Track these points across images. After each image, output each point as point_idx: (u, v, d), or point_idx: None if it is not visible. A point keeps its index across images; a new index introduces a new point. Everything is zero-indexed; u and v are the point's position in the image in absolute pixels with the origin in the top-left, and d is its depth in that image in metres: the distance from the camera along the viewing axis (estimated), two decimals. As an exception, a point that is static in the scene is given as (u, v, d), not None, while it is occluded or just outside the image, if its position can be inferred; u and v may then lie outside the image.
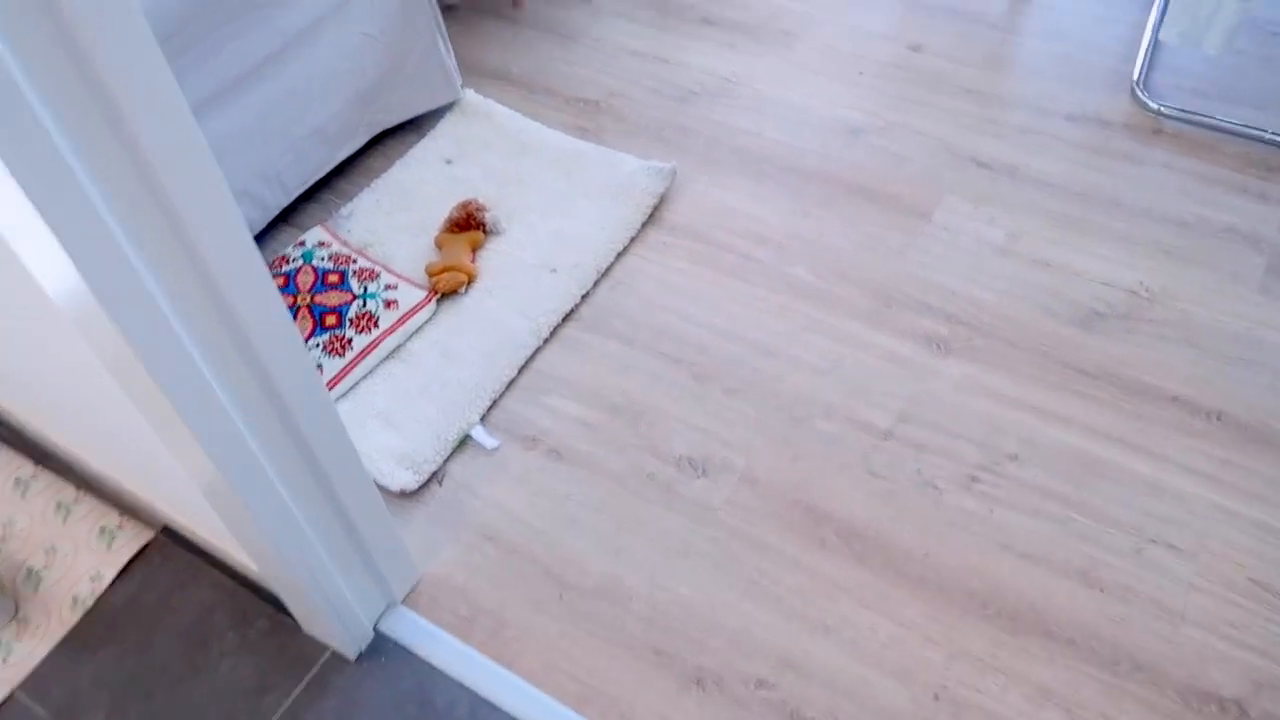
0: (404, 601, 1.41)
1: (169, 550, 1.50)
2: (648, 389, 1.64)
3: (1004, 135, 1.99)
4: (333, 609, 1.29)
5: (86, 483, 1.55)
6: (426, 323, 1.73)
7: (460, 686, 1.33)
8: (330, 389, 1.62)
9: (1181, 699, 1.26)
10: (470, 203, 1.84)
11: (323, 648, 1.38)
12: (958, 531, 1.43)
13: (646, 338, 1.71)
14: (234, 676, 1.36)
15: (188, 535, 1.45)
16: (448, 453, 1.57)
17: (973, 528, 1.43)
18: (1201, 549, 1.38)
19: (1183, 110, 1.98)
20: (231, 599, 1.44)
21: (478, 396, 1.62)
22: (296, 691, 1.35)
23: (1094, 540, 1.40)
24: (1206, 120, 1.96)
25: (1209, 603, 1.33)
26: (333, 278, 1.75)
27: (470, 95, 2.12)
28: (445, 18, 2.35)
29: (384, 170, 2.01)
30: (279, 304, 0.97)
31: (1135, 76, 2.05)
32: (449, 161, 2.00)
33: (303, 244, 1.82)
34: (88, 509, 1.54)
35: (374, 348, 1.66)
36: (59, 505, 1.55)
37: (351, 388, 1.65)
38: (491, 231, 1.85)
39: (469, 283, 1.77)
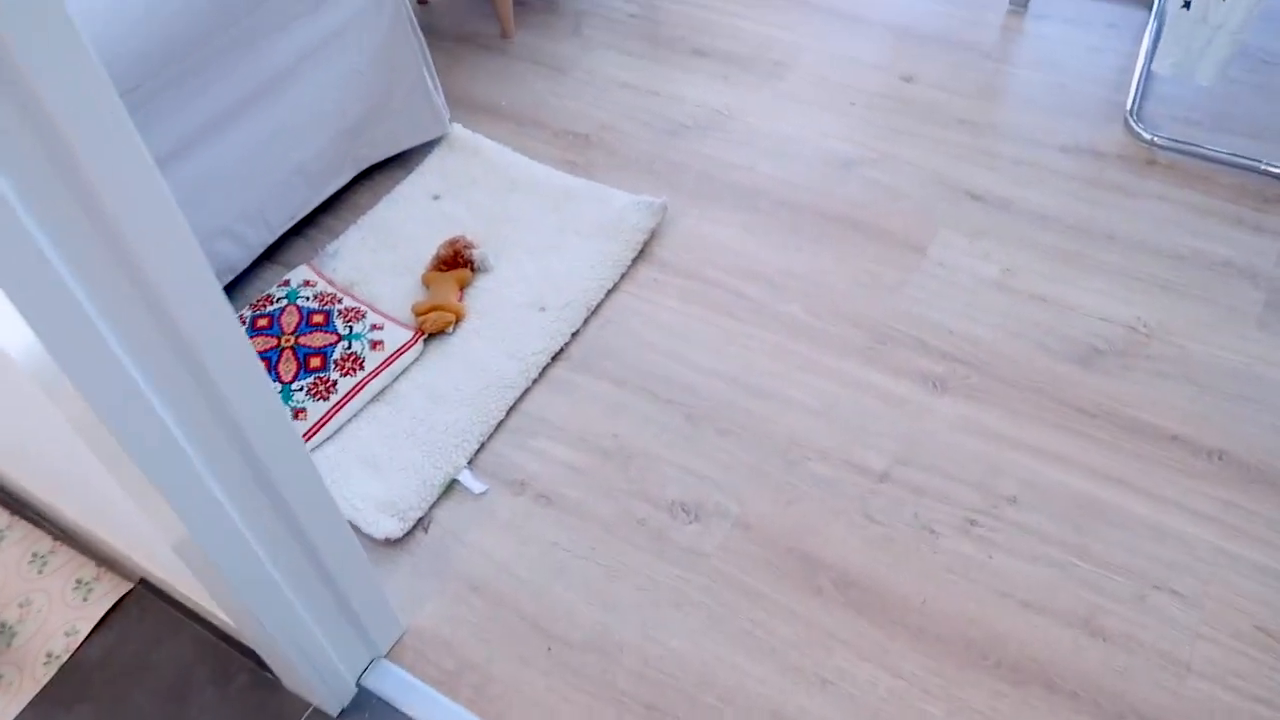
0: (388, 655, 1.37)
1: (147, 602, 1.46)
2: (638, 431, 1.60)
3: (998, 167, 1.97)
4: (313, 665, 1.25)
5: (64, 533, 1.51)
6: (413, 364, 1.70)
7: (446, 745, 1.29)
8: (314, 433, 1.59)
9: (1189, 754, 1.22)
10: (458, 240, 1.82)
11: (304, 704, 1.34)
12: (956, 578, 1.39)
13: (637, 378, 1.68)
14: (212, 736, 1.32)
15: (165, 589, 1.41)
16: (434, 498, 1.54)
17: (971, 574, 1.40)
18: (1206, 595, 1.35)
19: (1176, 141, 1.96)
20: (211, 653, 1.40)
21: (465, 440, 1.59)
22: (277, 751, 1.30)
23: (1096, 587, 1.37)
24: (1200, 151, 1.94)
25: (1215, 652, 1.30)
26: (317, 318, 1.72)
27: (458, 130, 2.10)
28: (433, 49, 2.34)
29: (371, 206, 1.99)
30: (251, 356, 0.94)
31: (1128, 106, 2.04)
32: (436, 197, 1.98)
33: (287, 283, 1.79)
34: (64, 560, 1.50)
35: (359, 390, 1.63)
36: (35, 556, 1.51)
37: (336, 431, 1.61)
38: (480, 269, 1.83)
39: (456, 322, 1.74)
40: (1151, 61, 1.91)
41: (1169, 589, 1.36)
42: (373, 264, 1.86)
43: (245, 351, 0.93)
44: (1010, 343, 1.67)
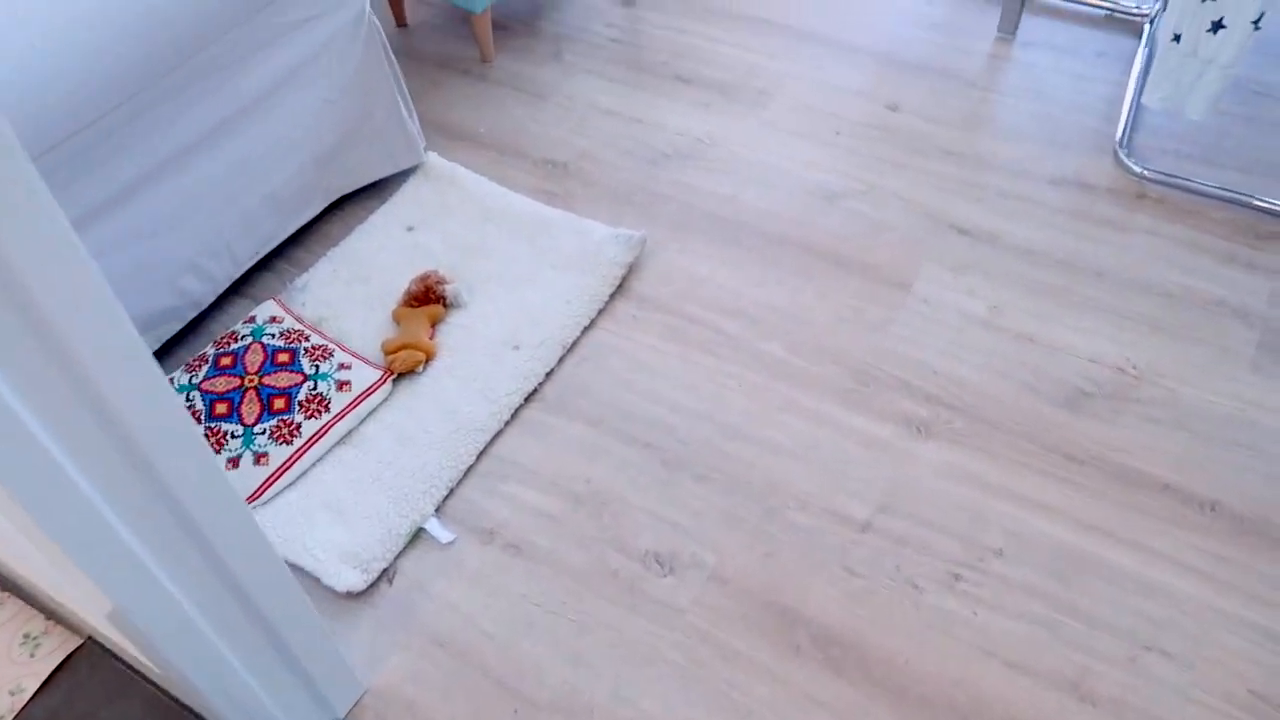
0: (346, 718, 1.32)
1: (97, 659, 1.39)
2: (613, 476, 1.55)
3: (984, 199, 1.93)
4: (266, 732, 1.19)
5: (12, 585, 1.45)
6: (381, 404, 1.64)
7: (405, 815, 1.24)
8: (276, 479, 1.53)
9: (1181, 827, 1.17)
10: (429, 275, 1.76)
11: (259, 769, 1.28)
12: (939, 636, 1.34)
13: (613, 420, 1.62)
14: (161, 804, 1.26)
15: (112, 648, 1.35)
16: (399, 548, 1.48)
17: (955, 631, 1.34)
18: (1198, 657, 1.30)
19: (1167, 174, 1.92)
20: (164, 714, 1.34)
21: (433, 486, 1.53)
22: (228, 821, 1.24)
23: (1084, 647, 1.32)
24: (1192, 185, 1.90)
25: (1207, 717, 1.25)
26: (283, 357, 1.66)
27: (433, 158, 2.05)
28: (412, 73, 2.29)
29: (342, 237, 1.93)
30: (179, 412, 0.88)
31: (1118, 138, 2.00)
32: (410, 229, 1.93)
33: (253, 319, 1.74)
34: (12, 612, 1.44)
35: (324, 433, 1.58)
36: (-18, 608, 1.44)
37: (300, 477, 1.56)
38: (452, 305, 1.77)
39: (427, 361, 1.69)
40: (1141, 93, 1.87)
41: (1159, 649, 1.31)
42: (343, 298, 1.81)
43: (172, 405, 0.88)
44: (996, 384, 1.62)
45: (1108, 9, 2.32)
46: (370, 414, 1.63)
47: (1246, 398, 1.57)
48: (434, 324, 1.74)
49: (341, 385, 1.63)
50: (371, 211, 1.98)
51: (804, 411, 1.61)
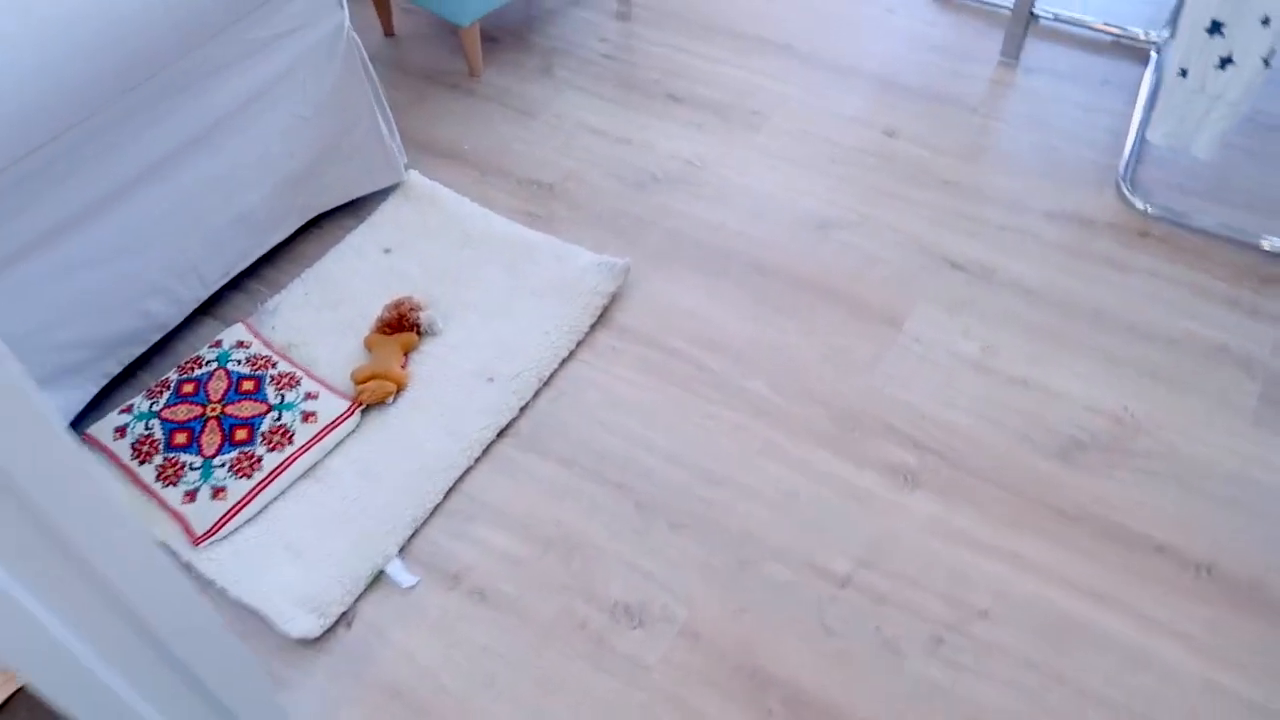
0: (294, 776, 1.26)
1: (35, 702, 1.34)
2: (585, 520, 1.49)
3: (981, 233, 1.86)
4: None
5: (-48, 622, 1.39)
6: (348, 437, 1.58)
7: None
8: (234, 515, 1.47)
9: None
10: (403, 302, 1.70)
11: (200, 828, 1.22)
12: (920, 704, 1.28)
13: (587, 459, 1.56)
14: None
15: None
16: (359, 591, 1.42)
17: (936, 700, 1.28)
18: (1190, 734, 1.24)
19: (1170, 211, 1.85)
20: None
21: (397, 526, 1.47)
22: None
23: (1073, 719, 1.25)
24: (1196, 223, 1.83)
25: (1198, 801, 1.18)
26: (247, 385, 1.60)
27: (414, 177, 1.99)
28: (397, 86, 2.23)
29: (317, 258, 1.87)
30: (79, 468, 0.82)
31: (1121, 171, 1.93)
32: (387, 251, 1.86)
33: (219, 344, 1.68)
34: (-47, 651, 1.38)
35: (286, 467, 1.52)
36: (-78, 646, 1.38)
37: (259, 512, 1.49)
38: (427, 333, 1.71)
39: (398, 392, 1.63)
40: (1146, 126, 1.81)
41: (1150, 724, 1.25)
42: (314, 323, 1.75)
43: (71, 457, 0.81)
44: (987, 432, 1.56)
45: (1114, 34, 2.25)
46: (336, 447, 1.57)
47: (1246, 453, 1.51)
48: (407, 352, 1.68)
49: (307, 416, 1.57)
50: (349, 231, 1.92)
51: (786, 456, 1.55)
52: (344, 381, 1.65)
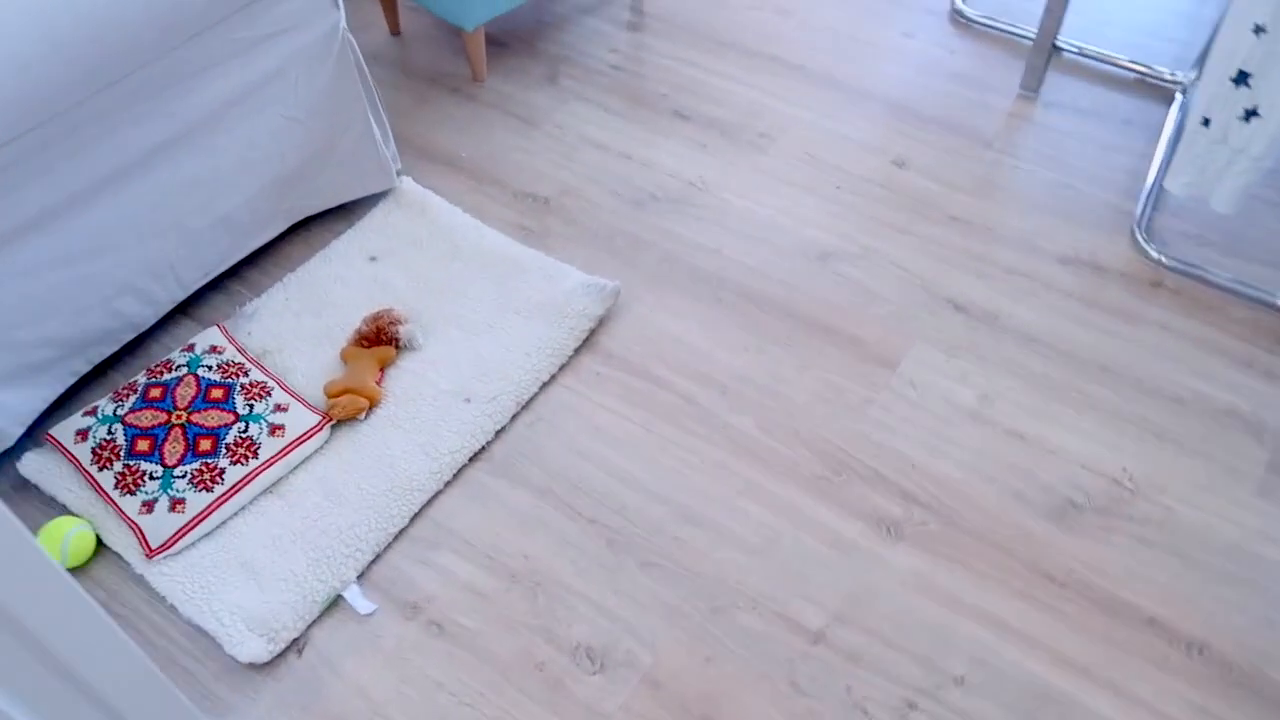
0: (228, 812, 1.21)
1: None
2: (554, 554, 1.43)
3: (987, 275, 1.80)
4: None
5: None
6: (315, 452, 1.53)
7: None
8: (191, 529, 1.42)
9: None
10: (382, 316, 1.65)
11: None
12: (886, 774, 1.22)
13: (561, 490, 1.51)
14: None
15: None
16: (314, 616, 1.37)
17: (904, 771, 1.22)
18: (1170, 827, 1.17)
19: (1186, 263, 1.78)
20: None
21: (358, 550, 1.42)
22: None
23: (1044, 803, 1.19)
24: (1212, 277, 1.76)
25: None
26: (216, 393, 1.55)
27: (407, 184, 1.93)
28: (399, 88, 2.19)
29: (302, 261, 1.82)
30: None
31: (1137, 217, 1.86)
32: (373, 259, 1.81)
33: (191, 348, 1.63)
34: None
35: (248, 482, 1.47)
36: None
37: (218, 526, 1.45)
38: (406, 348, 1.66)
39: (371, 408, 1.58)
40: (1162, 179, 1.73)
41: (1128, 813, 1.18)
42: (292, 330, 1.70)
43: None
44: (979, 486, 1.49)
45: (1139, 73, 2.18)
46: (303, 463, 1.52)
47: (1250, 525, 1.44)
48: (383, 367, 1.63)
49: (275, 429, 1.52)
50: (336, 235, 1.87)
51: (768, 499, 1.49)
52: (317, 394, 1.60)
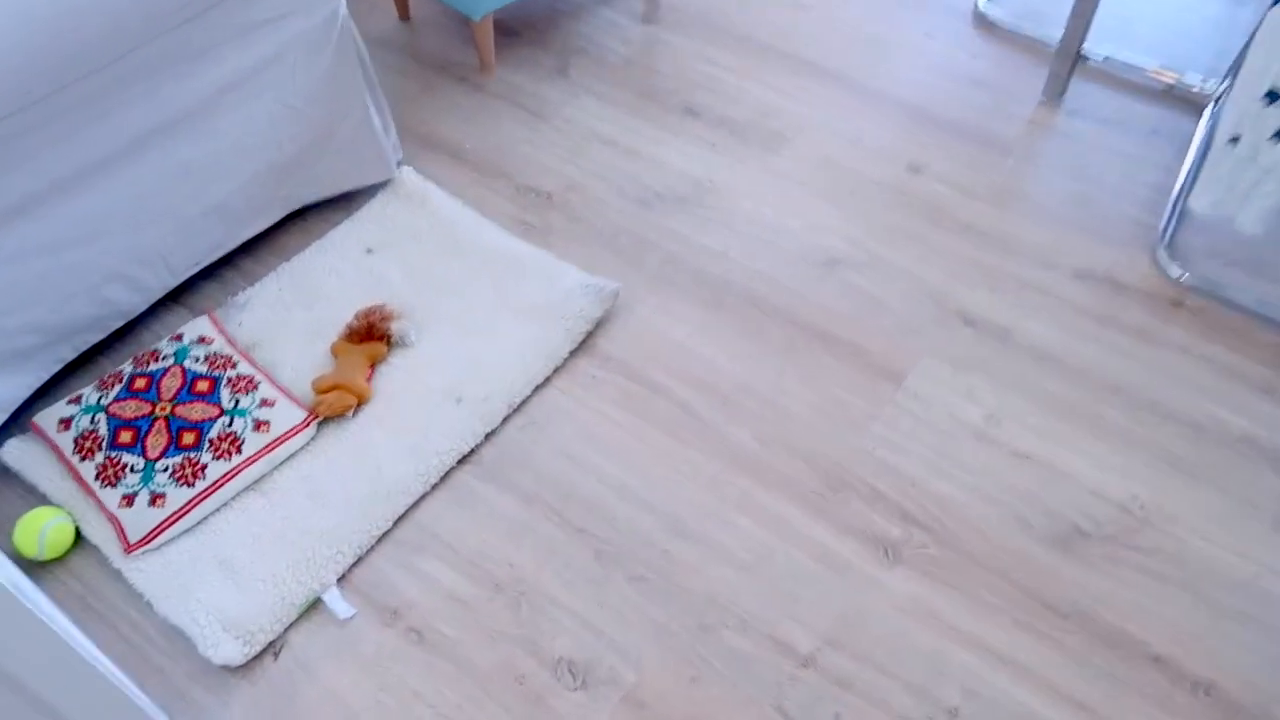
0: (193, 820, 1.18)
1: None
2: (540, 564, 1.39)
3: (1000, 288, 1.74)
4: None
5: None
6: (300, 450, 1.49)
7: None
8: (170, 524, 1.39)
9: None
10: (374, 311, 1.61)
11: None
12: (872, 809, 1.18)
13: (550, 497, 1.47)
14: None
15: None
16: (292, 619, 1.34)
17: (890, 806, 1.18)
18: None
19: (1209, 282, 1.72)
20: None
21: (340, 552, 1.39)
22: None
23: (1035, 846, 1.14)
24: (1236, 298, 1.70)
25: None
26: (202, 385, 1.52)
27: (408, 174, 1.89)
28: (406, 75, 2.15)
29: (297, 251, 1.79)
30: None
31: (1160, 233, 1.80)
32: (370, 251, 1.77)
33: (180, 338, 1.60)
34: None
35: (230, 478, 1.43)
36: None
37: (199, 523, 1.41)
38: (397, 344, 1.62)
39: (359, 406, 1.54)
40: (1187, 196, 1.67)
41: None
42: (283, 322, 1.66)
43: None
44: (982, 509, 1.44)
45: (1168, 82, 2.11)
46: (287, 460, 1.48)
47: (1264, 561, 1.38)
48: (373, 364, 1.59)
49: (259, 425, 1.48)
50: (334, 225, 1.83)
51: (762, 514, 1.44)
52: (305, 389, 1.56)
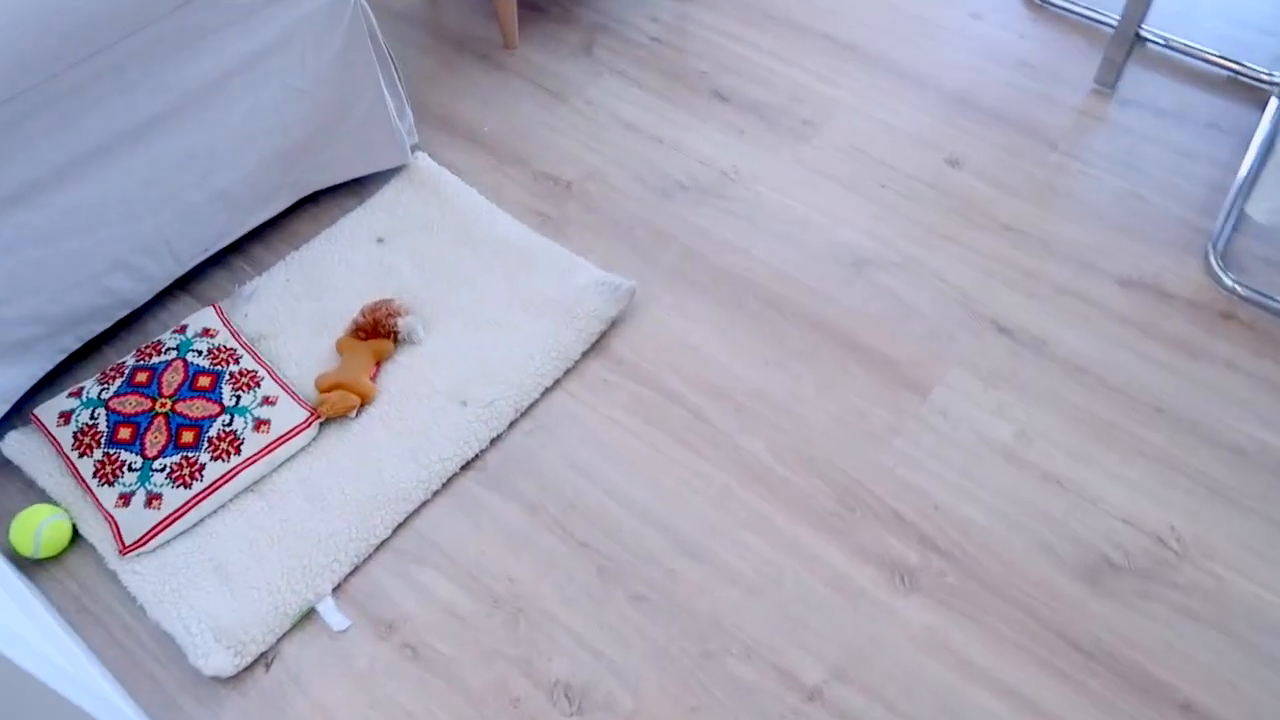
0: (177, 837, 1.16)
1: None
2: (540, 578, 1.35)
3: (1038, 294, 1.64)
4: None
5: None
6: (301, 450, 1.46)
7: None
8: (165, 527, 1.36)
9: None
10: (380, 307, 1.56)
11: None
12: None
13: (554, 507, 1.42)
14: None
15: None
16: (285, 629, 1.31)
17: None
18: None
19: (1263, 294, 1.61)
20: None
21: (337, 560, 1.35)
22: None
23: None
24: (1293, 311, 1.59)
25: None
26: (204, 381, 1.48)
27: (422, 160, 1.83)
28: (427, 51, 2.09)
29: (308, 239, 1.74)
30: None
31: (1213, 238, 1.69)
32: (380, 240, 1.72)
33: (183, 330, 1.56)
34: None
35: (229, 480, 1.40)
36: None
37: (195, 524, 1.39)
38: (404, 341, 1.57)
39: (362, 406, 1.50)
40: (1243, 202, 1.56)
41: None
42: (290, 314, 1.62)
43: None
44: (1007, 535, 1.37)
45: (1231, 70, 1.97)
46: (287, 461, 1.45)
47: (1309, 604, 1.30)
48: (379, 361, 1.55)
49: (260, 425, 1.45)
50: (346, 212, 1.78)
51: (774, 534, 1.38)
52: (309, 386, 1.52)
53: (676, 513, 1.41)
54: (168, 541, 1.37)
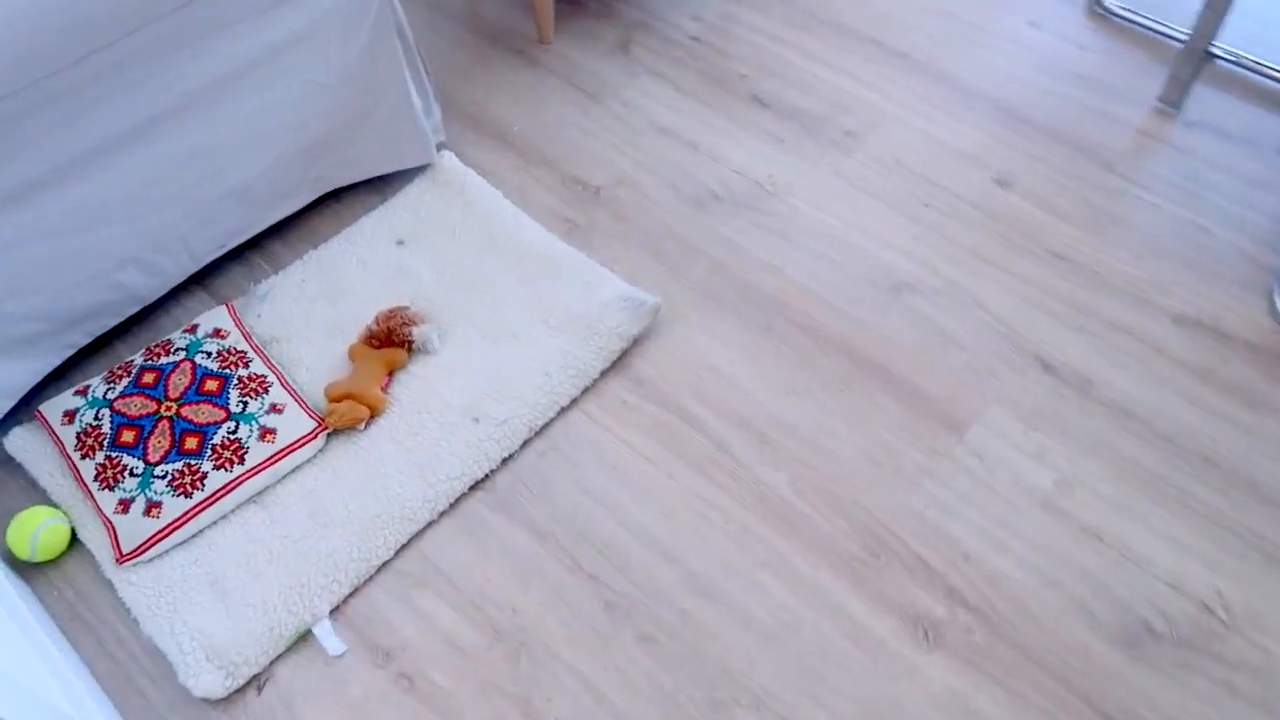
0: None
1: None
2: (545, 611, 1.29)
3: (1087, 329, 1.55)
4: None
5: None
6: (307, 462, 1.41)
7: None
8: (164, 537, 1.32)
9: None
10: (395, 315, 1.51)
11: None
12: None
13: (564, 535, 1.36)
14: None
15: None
16: (279, 651, 1.26)
17: None
18: None
19: (1333, 340, 1.50)
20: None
21: (337, 580, 1.31)
22: None
23: None
24: (1363, 361, 1.48)
25: None
26: (211, 384, 1.44)
27: (447, 159, 1.77)
28: (460, 44, 2.03)
29: (327, 238, 1.69)
30: None
31: (1279, 276, 1.58)
32: (401, 242, 1.67)
33: (194, 329, 1.52)
34: None
35: (230, 490, 1.36)
36: None
37: (194, 535, 1.35)
38: (419, 350, 1.52)
39: (372, 418, 1.45)
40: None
41: None
42: (304, 316, 1.57)
43: None
44: (1040, 592, 1.29)
45: (1308, 93, 1.85)
46: (291, 472, 1.40)
47: (1367, 687, 1.20)
48: (391, 371, 1.50)
49: (265, 434, 1.40)
50: (369, 210, 1.73)
51: (793, 577, 1.31)
52: (318, 393, 1.47)
53: (691, 548, 1.34)
54: (165, 552, 1.33)
